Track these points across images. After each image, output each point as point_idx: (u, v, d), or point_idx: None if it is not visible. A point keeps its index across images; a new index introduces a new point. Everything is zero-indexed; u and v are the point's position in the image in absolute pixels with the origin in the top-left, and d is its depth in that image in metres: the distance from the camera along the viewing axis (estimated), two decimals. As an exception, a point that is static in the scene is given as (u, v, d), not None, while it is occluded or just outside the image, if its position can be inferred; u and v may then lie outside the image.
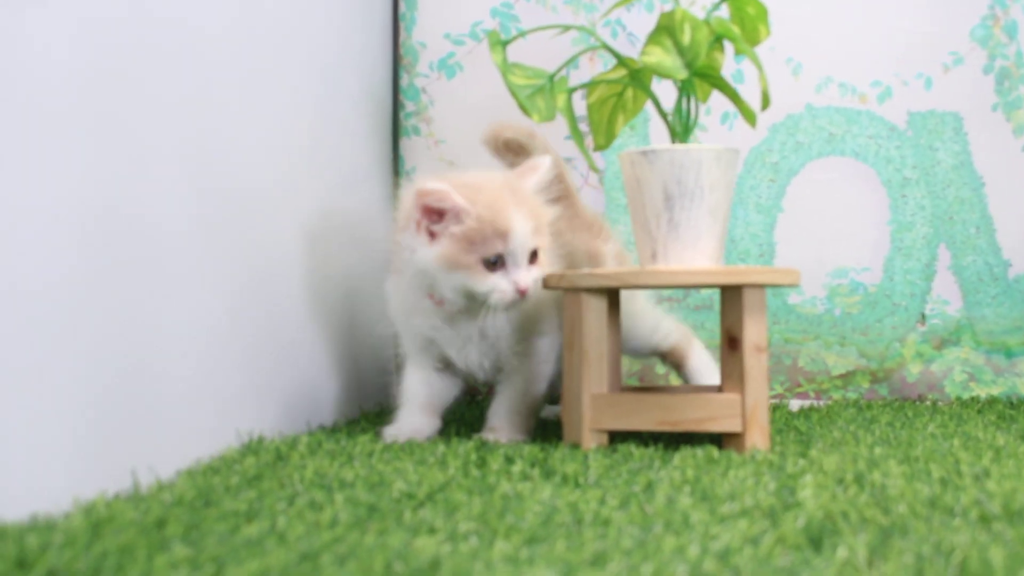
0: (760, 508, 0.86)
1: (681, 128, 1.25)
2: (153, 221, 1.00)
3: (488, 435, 1.27)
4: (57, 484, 0.84)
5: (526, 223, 1.20)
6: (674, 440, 1.24)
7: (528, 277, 1.21)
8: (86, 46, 0.89)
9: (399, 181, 1.71)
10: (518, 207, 1.21)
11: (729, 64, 1.64)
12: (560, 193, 1.41)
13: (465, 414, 1.48)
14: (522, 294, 1.20)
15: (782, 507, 0.86)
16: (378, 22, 1.68)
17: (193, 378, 1.07)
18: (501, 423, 1.28)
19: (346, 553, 0.71)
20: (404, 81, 1.72)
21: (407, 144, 1.72)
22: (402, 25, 1.72)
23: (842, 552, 0.71)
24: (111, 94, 0.93)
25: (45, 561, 0.66)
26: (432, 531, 0.79)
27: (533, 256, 1.22)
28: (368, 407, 1.58)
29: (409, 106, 1.72)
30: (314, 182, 1.41)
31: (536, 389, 1.30)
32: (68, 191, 0.86)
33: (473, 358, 1.29)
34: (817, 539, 0.76)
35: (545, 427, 1.37)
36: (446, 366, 1.32)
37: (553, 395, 1.40)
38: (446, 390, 1.34)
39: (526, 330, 1.28)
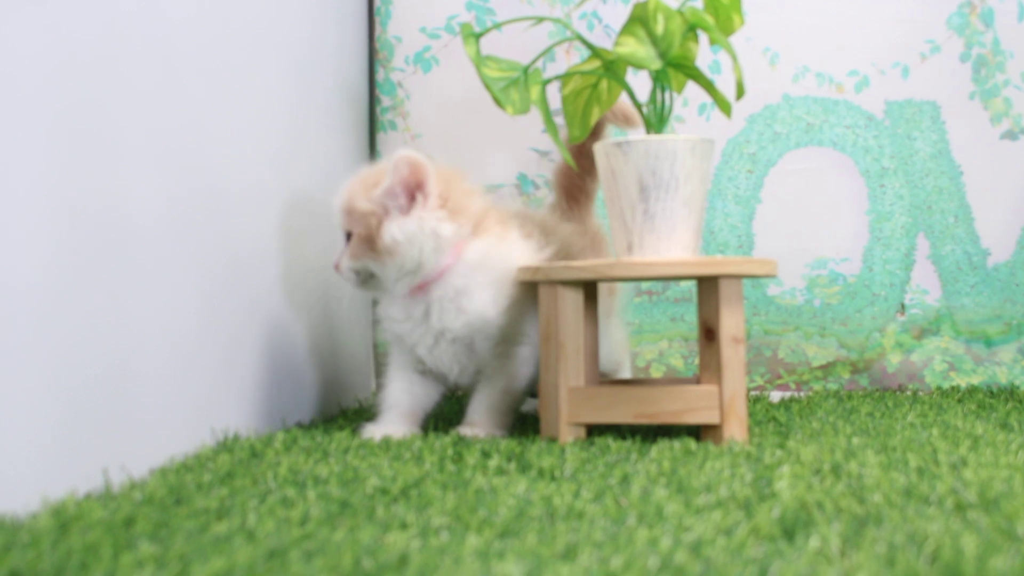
0: (735, 499, 0.85)
1: (656, 119, 1.24)
2: (126, 217, 0.99)
3: (466, 430, 1.26)
4: (27, 483, 0.83)
5: (337, 202, 1.27)
6: (652, 433, 1.24)
7: (337, 254, 1.29)
8: (58, 40, 0.88)
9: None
10: (345, 188, 1.28)
11: (706, 55, 1.64)
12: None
13: (444, 409, 1.47)
14: (336, 268, 1.29)
15: (757, 498, 0.85)
16: (353, 16, 1.67)
17: (168, 376, 1.06)
18: (480, 418, 1.27)
19: (315, 549, 0.70)
20: (380, 75, 1.71)
21: (384, 138, 1.71)
22: (377, 19, 1.71)
23: (815, 542, 0.71)
24: (84, 89, 0.92)
25: (8, 561, 0.66)
26: (404, 526, 0.78)
27: (348, 238, 1.27)
28: (347, 403, 1.57)
29: (385, 100, 1.71)
30: (290, 177, 1.40)
31: (516, 388, 1.29)
32: (40, 188, 0.85)
33: (444, 360, 1.29)
34: (791, 529, 0.76)
35: (523, 421, 1.36)
36: (426, 369, 1.31)
37: (532, 388, 1.39)
38: (426, 396, 1.33)
39: (503, 337, 1.28)
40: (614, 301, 1.44)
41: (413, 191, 1.23)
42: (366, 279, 1.28)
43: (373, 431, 1.26)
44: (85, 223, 0.92)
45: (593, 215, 1.49)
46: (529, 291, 1.27)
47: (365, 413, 1.46)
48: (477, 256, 1.25)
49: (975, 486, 0.87)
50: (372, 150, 1.72)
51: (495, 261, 1.26)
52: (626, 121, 1.40)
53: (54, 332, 0.87)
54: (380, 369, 1.73)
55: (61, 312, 0.88)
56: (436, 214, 1.23)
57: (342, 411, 1.51)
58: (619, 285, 1.46)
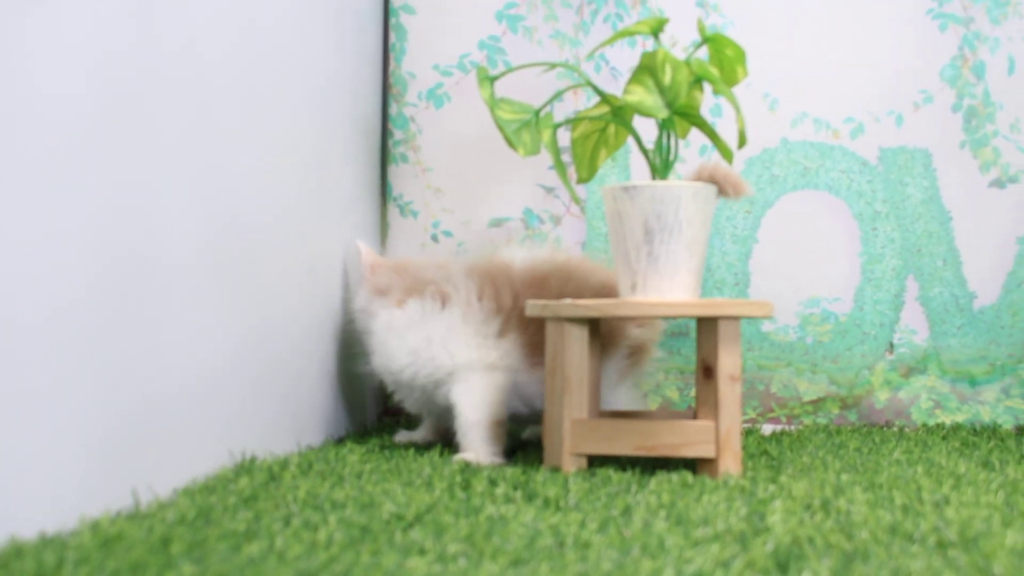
0: (731, 532, 0.91)
1: (661, 164, 1.30)
2: (159, 251, 1.04)
3: (469, 456, 1.32)
4: (65, 503, 0.88)
5: None
6: (650, 464, 1.29)
7: None
8: (101, 79, 0.94)
9: (387, 207, 1.77)
10: None
11: (708, 98, 1.70)
12: None
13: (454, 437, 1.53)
14: None
15: (752, 532, 0.91)
16: (369, 52, 1.73)
17: (193, 401, 1.12)
18: (466, 443, 1.35)
19: (343, 572, 0.76)
20: (393, 110, 1.77)
21: (395, 171, 1.77)
22: (392, 55, 1.77)
23: (807, 576, 0.76)
24: (123, 127, 0.97)
25: (62, 578, 0.71)
26: (422, 552, 0.84)
27: None
28: (354, 427, 1.62)
29: (398, 134, 1.76)
30: (310, 207, 1.45)
31: (473, 417, 1.36)
32: (82, 223, 0.91)
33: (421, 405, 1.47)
34: (784, 563, 0.81)
35: (526, 450, 1.41)
36: None
37: (535, 417, 1.45)
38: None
39: (423, 383, 1.42)
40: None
41: None
42: None
43: (404, 437, 1.52)
44: (120, 258, 0.97)
45: None
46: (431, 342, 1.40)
47: (370, 435, 1.52)
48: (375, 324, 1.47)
49: (956, 524, 0.93)
50: (384, 182, 1.78)
51: (377, 327, 1.45)
52: (736, 192, 1.41)
53: (93, 361, 0.92)
54: (385, 396, 1.79)
55: (100, 343, 0.93)
56: (362, 294, 1.49)
57: (348, 434, 1.57)
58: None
